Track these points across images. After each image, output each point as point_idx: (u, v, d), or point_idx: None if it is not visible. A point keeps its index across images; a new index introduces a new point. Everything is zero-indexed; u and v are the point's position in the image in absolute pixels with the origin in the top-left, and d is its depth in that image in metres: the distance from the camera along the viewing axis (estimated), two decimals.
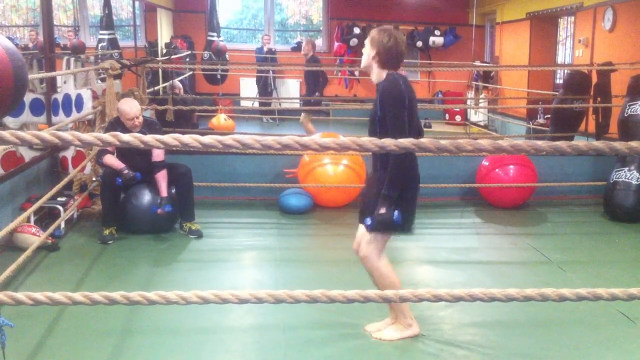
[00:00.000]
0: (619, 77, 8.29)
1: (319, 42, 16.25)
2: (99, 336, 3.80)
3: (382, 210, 3.50)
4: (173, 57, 12.33)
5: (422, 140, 1.92)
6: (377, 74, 3.61)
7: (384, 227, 3.57)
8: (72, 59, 7.99)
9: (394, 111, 3.47)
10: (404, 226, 3.61)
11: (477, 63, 14.44)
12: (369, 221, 3.60)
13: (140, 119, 5.68)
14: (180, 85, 11.10)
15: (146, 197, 5.75)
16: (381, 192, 3.50)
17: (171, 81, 10.42)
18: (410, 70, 13.74)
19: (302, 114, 10.76)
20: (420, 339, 3.78)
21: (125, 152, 5.68)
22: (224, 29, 16.39)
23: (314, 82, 10.73)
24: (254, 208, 6.89)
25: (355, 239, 3.86)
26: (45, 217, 5.87)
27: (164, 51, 13.10)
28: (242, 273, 5.17)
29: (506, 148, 1.92)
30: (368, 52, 3.61)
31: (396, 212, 3.51)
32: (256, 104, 14.50)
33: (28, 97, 6.38)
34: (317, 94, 10.81)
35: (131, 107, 5.63)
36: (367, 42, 3.65)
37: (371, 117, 3.64)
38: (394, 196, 3.49)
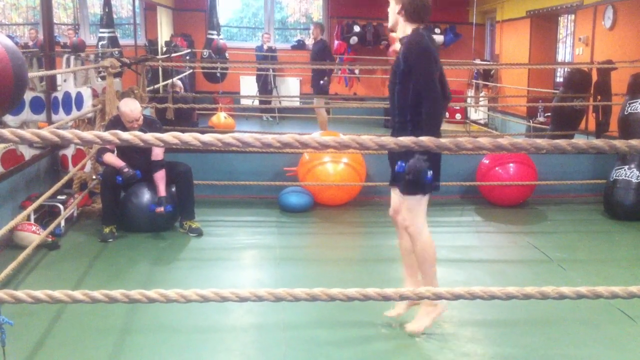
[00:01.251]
0: (619, 76, 8.28)
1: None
2: (99, 334, 3.80)
3: (419, 163, 3.46)
4: (173, 55, 12.32)
5: (422, 138, 1.92)
6: (403, 29, 3.61)
7: (417, 175, 3.50)
8: (72, 58, 7.98)
9: (422, 65, 3.47)
10: (435, 185, 3.62)
11: (477, 61, 14.43)
12: (402, 164, 3.54)
13: (140, 121, 5.66)
14: (181, 84, 11.10)
15: (146, 195, 5.75)
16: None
17: (171, 79, 10.42)
18: None
19: (315, 99, 10.86)
20: (420, 337, 3.78)
21: (125, 151, 5.69)
22: (224, 27, 16.40)
23: (321, 69, 10.81)
24: (254, 206, 6.89)
25: (391, 206, 3.84)
26: (46, 215, 5.87)
27: (164, 49, 13.10)
28: (242, 272, 5.17)
29: (506, 146, 1.92)
30: (393, 8, 3.63)
31: (429, 172, 3.50)
32: (256, 102, 14.51)
33: (28, 96, 6.38)
34: (325, 77, 10.88)
35: (132, 110, 5.61)
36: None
37: (393, 71, 3.64)
38: (426, 153, 3.46)
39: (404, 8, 3.57)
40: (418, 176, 3.50)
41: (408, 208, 3.68)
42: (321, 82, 10.84)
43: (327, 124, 10.71)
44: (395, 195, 3.81)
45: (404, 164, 3.53)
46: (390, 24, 3.71)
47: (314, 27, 11.39)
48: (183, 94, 10.63)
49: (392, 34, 3.77)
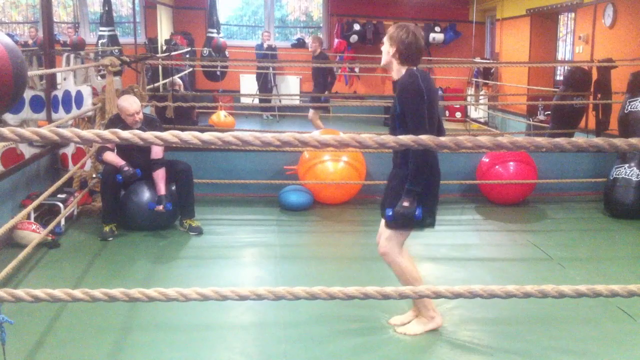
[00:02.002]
0: (619, 74, 8.28)
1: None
2: (99, 333, 3.80)
3: (406, 204, 3.50)
4: (173, 53, 12.32)
5: (422, 137, 1.92)
6: (397, 71, 3.62)
7: (404, 221, 3.56)
8: (72, 56, 7.99)
9: (413, 106, 3.47)
10: (424, 222, 3.62)
11: (477, 60, 14.43)
12: (389, 212, 3.59)
13: (141, 115, 5.69)
14: (181, 82, 11.11)
15: (146, 194, 5.75)
16: (403, 186, 3.50)
17: (171, 78, 10.42)
18: None
19: (311, 111, 10.79)
20: (419, 336, 3.79)
21: (125, 149, 5.69)
22: (224, 25, 16.38)
23: (324, 80, 10.71)
24: (254, 205, 6.89)
25: (379, 232, 3.86)
26: (46, 214, 5.86)
27: (164, 48, 13.09)
28: (242, 270, 5.17)
29: (506, 145, 1.92)
30: (387, 50, 3.63)
31: (418, 209, 3.52)
32: (256, 101, 14.50)
33: (28, 94, 6.37)
34: (326, 92, 10.81)
35: (131, 104, 5.64)
36: (385, 39, 3.67)
37: (391, 113, 3.66)
38: (417, 191, 3.50)
39: (399, 52, 3.57)
40: (407, 221, 3.55)
41: (387, 237, 3.72)
42: (322, 97, 10.72)
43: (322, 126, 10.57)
44: (383, 222, 3.82)
45: (391, 212, 3.57)
46: (382, 63, 3.72)
47: (312, 40, 11.06)
48: (183, 92, 10.63)
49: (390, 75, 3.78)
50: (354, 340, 3.78)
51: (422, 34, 3.73)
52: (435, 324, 3.84)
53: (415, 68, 3.59)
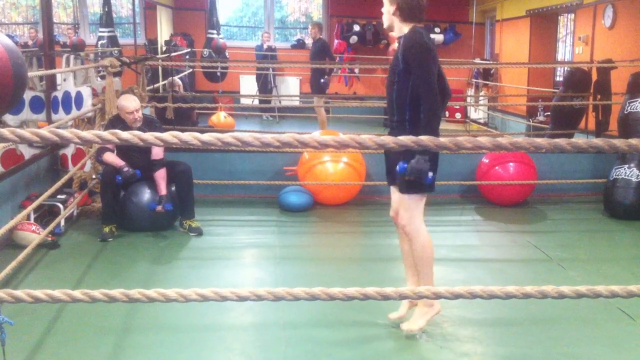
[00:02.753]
0: (619, 75, 8.28)
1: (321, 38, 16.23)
2: (99, 334, 3.80)
3: (421, 160, 3.44)
4: (173, 54, 12.32)
5: (422, 137, 1.92)
6: (400, 29, 3.61)
7: (417, 187, 3.53)
8: (72, 57, 7.98)
9: (420, 61, 3.46)
10: (433, 186, 3.63)
11: (477, 60, 14.43)
12: (403, 165, 3.51)
13: (140, 114, 5.70)
14: (180, 83, 11.10)
15: (146, 194, 5.75)
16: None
17: (171, 78, 10.41)
18: None
19: (315, 98, 10.87)
20: (420, 336, 3.78)
21: (125, 150, 5.69)
22: (224, 26, 16.38)
23: (322, 62, 10.82)
24: (253, 206, 6.89)
25: (392, 207, 3.84)
26: (45, 214, 5.87)
27: (164, 49, 13.09)
28: (242, 271, 5.17)
29: (506, 146, 1.92)
30: (387, 9, 3.62)
31: (430, 174, 3.50)
32: (256, 102, 14.51)
33: (28, 95, 6.38)
34: (325, 76, 10.87)
35: (130, 102, 5.66)
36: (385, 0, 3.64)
37: (391, 69, 3.64)
38: (427, 154, 3.45)
39: (399, 8, 3.56)
40: (419, 178, 3.48)
41: (406, 207, 3.68)
42: (322, 80, 10.85)
43: (326, 123, 10.72)
44: (395, 195, 3.81)
45: (405, 165, 3.51)
46: (385, 25, 3.70)
47: (311, 26, 11.39)
48: (183, 93, 10.63)
49: (392, 33, 3.76)
50: (354, 341, 3.77)
51: None
52: (435, 310, 3.81)
53: (419, 26, 3.58)
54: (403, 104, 3.58)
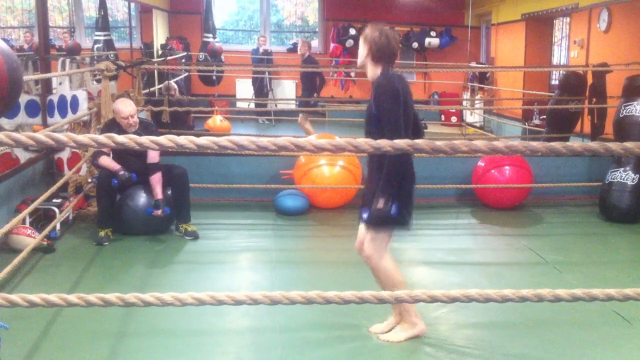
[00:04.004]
0: (614, 78, 8.30)
1: (315, 43, 16.25)
2: (95, 338, 3.79)
3: (380, 205, 3.50)
4: (169, 58, 12.31)
5: (418, 141, 1.92)
6: (372, 71, 3.65)
7: (382, 221, 3.57)
8: (68, 61, 7.96)
9: (389, 108, 3.49)
10: (401, 221, 3.62)
11: (473, 64, 14.46)
12: (366, 214, 3.61)
13: (136, 118, 5.68)
14: (176, 87, 11.07)
15: (142, 198, 5.74)
16: (376, 186, 3.52)
17: (167, 82, 10.41)
18: (406, 71, 13.74)
19: (300, 115, 10.82)
20: (416, 340, 3.78)
21: (120, 154, 5.68)
22: (220, 30, 16.38)
23: (311, 83, 10.78)
24: (250, 209, 6.89)
25: (358, 238, 3.86)
26: (41, 218, 5.85)
27: (160, 52, 13.08)
28: (238, 275, 5.17)
29: (501, 149, 1.92)
30: (362, 50, 3.66)
31: (393, 207, 3.51)
32: (252, 105, 14.50)
33: (23, 99, 6.37)
34: (315, 94, 10.83)
35: (125, 106, 5.65)
36: (361, 39, 3.70)
37: (367, 114, 3.66)
38: (391, 192, 3.49)
39: (371, 51, 3.61)
40: (383, 220, 3.55)
41: (369, 239, 3.71)
42: (311, 102, 10.78)
43: (312, 132, 10.61)
44: (362, 227, 3.81)
45: (368, 213, 3.59)
46: (359, 64, 3.76)
47: (301, 43, 11.17)
48: (179, 97, 10.62)
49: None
50: (350, 345, 3.77)
51: (398, 36, 3.74)
52: (418, 330, 3.80)
53: (390, 70, 3.61)
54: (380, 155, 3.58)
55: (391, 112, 3.48)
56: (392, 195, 3.50)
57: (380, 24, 3.70)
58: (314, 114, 11.66)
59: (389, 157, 3.49)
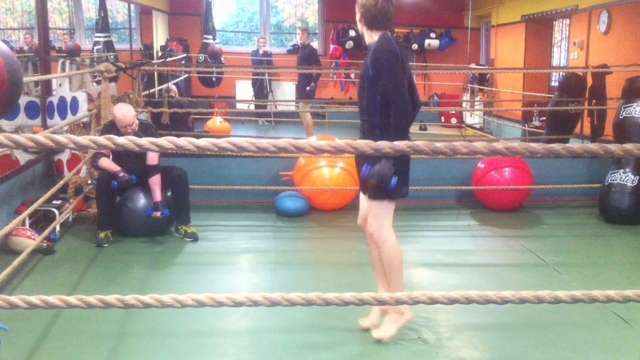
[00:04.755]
0: (614, 80, 8.31)
1: (314, 44, 16.25)
2: (94, 339, 3.79)
3: (384, 164, 3.42)
4: (168, 59, 12.31)
5: (417, 142, 1.92)
6: (369, 37, 3.62)
7: (380, 180, 3.46)
8: (68, 62, 7.98)
9: (389, 68, 3.46)
10: (399, 190, 3.58)
11: (473, 66, 14.46)
12: (366, 169, 3.51)
13: (134, 126, 5.63)
14: (175, 89, 11.10)
15: (142, 200, 5.74)
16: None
17: (167, 84, 10.42)
18: None
19: (300, 104, 10.87)
20: (415, 341, 3.78)
21: (120, 155, 5.68)
22: (220, 31, 16.38)
23: (308, 73, 10.84)
24: (249, 211, 6.89)
25: (359, 214, 3.83)
26: (41, 220, 5.85)
27: (160, 54, 13.09)
28: (237, 276, 5.17)
29: (501, 150, 1.92)
30: (357, 17, 3.63)
31: (393, 178, 3.46)
32: (252, 107, 14.50)
33: (23, 100, 6.37)
34: (312, 83, 10.87)
35: (124, 115, 5.58)
36: (356, 7, 3.65)
37: (361, 75, 3.63)
38: (391, 158, 3.43)
39: (363, 16, 3.58)
40: (382, 182, 3.46)
41: (374, 215, 3.67)
42: (307, 88, 10.84)
43: (312, 128, 10.71)
44: (364, 202, 3.79)
45: (368, 169, 3.50)
46: (360, 32, 3.72)
47: (301, 32, 11.36)
48: (178, 99, 10.63)
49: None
50: (350, 347, 3.77)
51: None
52: (405, 318, 3.77)
53: (388, 33, 3.58)
54: (373, 110, 3.57)
55: (393, 75, 3.45)
56: (391, 160, 3.43)
57: None
58: (314, 116, 11.70)
59: (395, 112, 3.45)
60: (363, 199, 3.79)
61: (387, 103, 3.50)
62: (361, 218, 3.84)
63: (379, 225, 3.66)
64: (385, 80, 3.47)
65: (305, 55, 11.12)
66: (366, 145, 1.90)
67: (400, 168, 3.55)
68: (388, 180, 3.45)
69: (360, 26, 3.64)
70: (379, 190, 3.55)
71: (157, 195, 5.65)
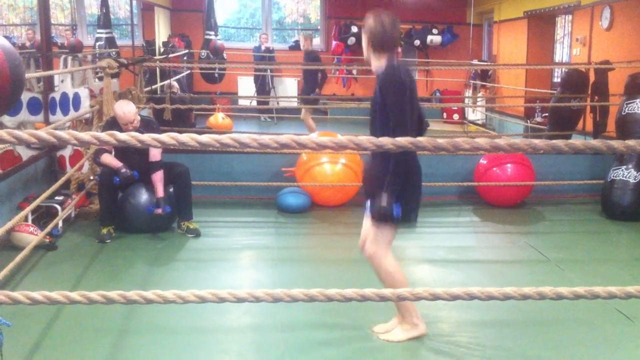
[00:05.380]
0: (616, 76, 8.29)
1: (317, 40, 16.24)
2: (97, 335, 3.80)
3: (383, 202, 3.45)
4: (170, 55, 12.31)
5: (420, 139, 1.92)
6: (376, 62, 3.62)
7: (383, 219, 3.51)
8: (70, 58, 7.98)
9: (394, 99, 3.46)
10: (405, 219, 3.58)
11: (475, 62, 14.44)
12: (368, 207, 3.56)
13: (136, 123, 5.62)
14: (177, 85, 11.08)
15: (144, 196, 5.74)
16: (380, 180, 3.46)
17: (169, 81, 10.41)
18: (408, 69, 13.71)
19: (303, 111, 10.84)
20: (418, 339, 3.78)
21: (122, 151, 5.68)
22: (222, 27, 16.38)
23: (313, 78, 10.80)
24: (251, 207, 6.89)
25: (361, 235, 3.84)
26: (43, 216, 5.86)
27: (162, 50, 13.08)
28: (240, 272, 5.17)
29: (503, 147, 1.92)
30: (364, 42, 3.64)
31: (397, 208, 3.47)
32: (254, 103, 14.51)
33: (25, 96, 6.37)
34: (317, 90, 10.83)
35: (125, 113, 5.57)
36: (362, 32, 3.67)
37: (372, 102, 3.65)
38: (395, 190, 3.46)
39: (370, 41, 3.58)
40: (385, 218, 3.50)
41: (372, 239, 3.66)
42: (312, 95, 10.79)
43: (315, 129, 10.67)
44: (366, 223, 3.79)
45: (370, 206, 3.54)
46: (365, 57, 3.72)
47: (303, 38, 11.25)
48: (181, 94, 10.63)
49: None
50: (352, 344, 3.77)
51: (396, 20, 3.64)
52: (418, 331, 3.77)
53: (395, 60, 3.59)
54: (386, 135, 3.56)
55: (396, 104, 3.45)
56: (395, 192, 3.46)
57: (379, 12, 3.64)
58: (316, 112, 11.67)
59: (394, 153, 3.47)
60: (366, 218, 3.79)
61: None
62: (362, 240, 3.82)
63: (376, 251, 3.67)
64: (390, 111, 3.48)
65: (310, 61, 11.05)
66: (368, 141, 1.90)
67: (406, 195, 3.54)
68: (390, 215, 3.47)
69: (367, 52, 3.64)
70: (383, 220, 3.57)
71: (160, 192, 5.65)
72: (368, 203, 3.60)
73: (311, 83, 10.84)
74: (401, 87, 3.48)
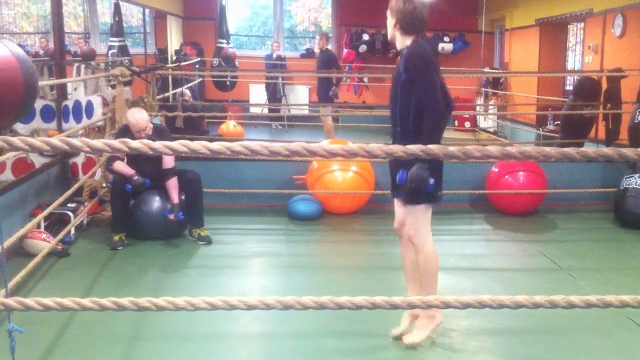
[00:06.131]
0: (629, 84, 8.25)
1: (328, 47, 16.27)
2: (108, 342, 3.81)
3: (421, 169, 3.41)
4: (183, 64, 12.38)
5: (431, 146, 1.92)
6: (401, 42, 3.63)
7: (417, 184, 3.45)
8: (83, 66, 8.02)
9: (423, 74, 3.47)
10: (435, 194, 3.59)
11: (487, 69, 14.42)
12: (403, 175, 3.51)
13: (148, 130, 5.65)
14: (189, 93, 11.14)
15: (156, 203, 5.76)
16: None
17: (181, 89, 10.47)
18: None
19: (321, 107, 10.89)
20: (429, 346, 3.77)
21: (135, 159, 5.70)
22: (234, 35, 16.46)
23: (327, 79, 10.85)
24: (262, 214, 6.90)
25: (396, 219, 3.83)
26: (55, 223, 5.89)
27: (174, 58, 13.15)
28: (250, 279, 5.17)
29: (515, 155, 1.92)
30: (390, 22, 3.64)
31: (431, 180, 3.47)
32: (265, 111, 14.55)
33: (39, 104, 6.42)
34: (333, 87, 10.86)
35: (137, 121, 5.60)
36: (388, 12, 3.66)
37: (394, 80, 3.67)
38: (429, 164, 3.44)
39: (399, 21, 3.58)
40: (420, 185, 3.46)
41: (413, 219, 3.67)
42: (330, 93, 10.83)
43: (333, 132, 10.73)
44: (399, 207, 3.80)
45: (405, 174, 3.50)
46: (389, 37, 3.72)
47: (319, 37, 11.47)
48: (192, 102, 10.67)
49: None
50: (363, 351, 3.76)
51: (425, 3, 3.65)
52: (436, 322, 3.77)
53: (420, 38, 3.59)
54: (406, 115, 3.59)
55: (427, 79, 3.46)
56: (428, 165, 3.43)
57: None
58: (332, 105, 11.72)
59: (429, 117, 3.46)
60: (397, 204, 3.79)
61: (421, 108, 3.50)
62: (398, 222, 3.84)
63: (418, 230, 3.67)
64: (418, 86, 3.48)
65: (325, 60, 11.15)
66: (379, 149, 1.91)
67: (435, 171, 3.55)
68: (426, 183, 3.46)
69: (392, 31, 3.64)
70: (416, 195, 3.56)
71: (175, 198, 5.67)
72: (400, 174, 3.54)
73: (327, 81, 10.87)
74: (429, 61, 3.50)
